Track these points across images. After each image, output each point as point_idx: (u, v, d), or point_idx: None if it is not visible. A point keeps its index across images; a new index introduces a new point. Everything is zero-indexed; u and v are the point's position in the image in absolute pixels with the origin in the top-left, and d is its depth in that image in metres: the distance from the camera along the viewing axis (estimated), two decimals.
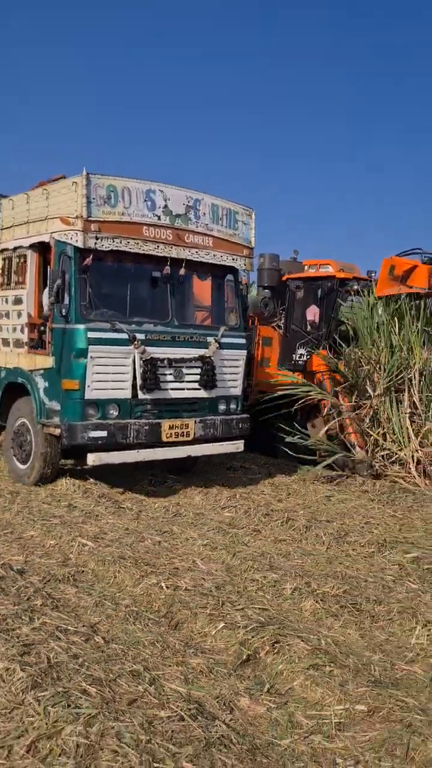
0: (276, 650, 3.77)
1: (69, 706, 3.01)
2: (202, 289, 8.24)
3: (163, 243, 7.23)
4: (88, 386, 6.83)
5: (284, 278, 10.21)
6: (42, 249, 7.51)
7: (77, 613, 4.26)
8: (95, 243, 6.78)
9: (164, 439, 7.25)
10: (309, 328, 9.99)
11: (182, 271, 7.43)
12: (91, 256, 6.81)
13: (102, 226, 6.79)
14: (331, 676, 3.53)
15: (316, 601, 4.55)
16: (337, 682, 3.46)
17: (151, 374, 7.08)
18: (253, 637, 3.90)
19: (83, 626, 4.01)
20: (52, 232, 7.10)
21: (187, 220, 7.43)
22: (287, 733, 3.11)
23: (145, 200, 7.09)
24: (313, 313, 10.07)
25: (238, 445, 8.04)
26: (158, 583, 4.69)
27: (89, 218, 6.71)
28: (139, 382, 7.07)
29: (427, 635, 4.11)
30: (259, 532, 6.31)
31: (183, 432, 7.41)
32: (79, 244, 6.74)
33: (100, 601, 4.47)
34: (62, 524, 6.05)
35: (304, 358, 9.74)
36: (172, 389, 7.37)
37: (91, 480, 7.51)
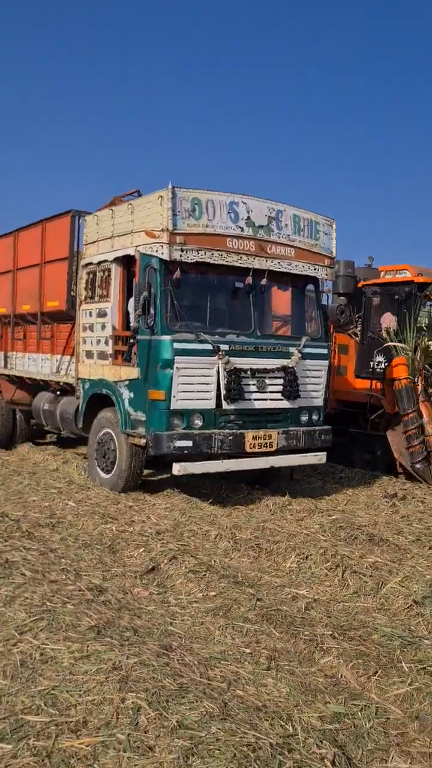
0: (172, 563, 5.28)
1: (8, 577, 4.52)
2: (284, 299, 8.22)
3: (245, 254, 7.25)
4: (174, 396, 6.91)
5: (360, 285, 10.10)
6: (126, 262, 7.64)
7: (44, 542, 5.62)
8: (180, 255, 6.85)
9: (248, 449, 7.27)
10: (386, 335, 9.84)
11: (264, 282, 7.45)
12: (178, 269, 6.89)
13: (187, 238, 6.86)
14: (203, 578, 5.01)
15: (230, 543, 5.98)
16: (205, 581, 4.96)
17: (234, 385, 7.11)
18: (160, 556, 5.41)
19: (44, 548, 5.34)
20: (137, 246, 7.21)
21: (269, 231, 7.43)
22: (156, 605, 4.57)
23: (229, 212, 7.13)
24: (389, 319, 9.92)
25: (320, 457, 8.02)
26: (112, 527, 6.18)
27: (175, 231, 6.79)
28: (223, 392, 7.09)
29: (298, 561, 5.52)
30: (221, 503, 7.45)
31: (266, 443, 7.41)
32: (165, 257, 6.82)
33: (65, 537, 5.96)
34: (59, 493, 7.53)
35: (383, 366, 9.59)
36: (255, 400, 7.38)
37: (170, 491, 7.64)
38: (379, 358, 9.69)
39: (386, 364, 9.55)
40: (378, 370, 9.67)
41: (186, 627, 4.22)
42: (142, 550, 5.60)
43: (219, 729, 2.84)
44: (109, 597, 4.47)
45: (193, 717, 2.93)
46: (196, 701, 3.07)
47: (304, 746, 2.88)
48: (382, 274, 10.31)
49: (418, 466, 8.89)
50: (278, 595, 4.87)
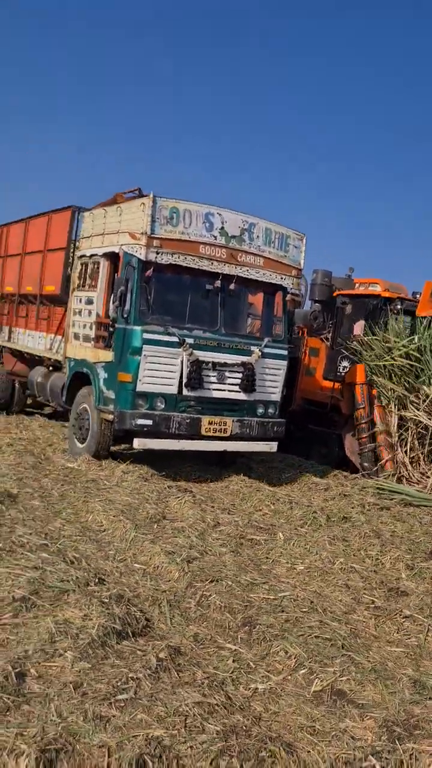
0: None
1: None
2: (252, 303, 9.11)
3: (217, 260, 8.14)
4: (140, 380, 7.85)
5: (335, 294, 10.94)
6: (113, 258, 8.58)
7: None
8: (156, 257, 7.76)
9: (203, 432, 8.19)
10: (355, 342, 10.67)
11: (233, 287, 8.34)
12: (152, 268, 7.82)
13: (163, 242, 7.77)
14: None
15: (89, 465, 8.32)
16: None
17: (195, 374, 8.02)
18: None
19: None
20: (122, 244, 8.13)
21: (241, 241, 8.31)
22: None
23: (204, 222, 8.02)
24: (360, 327, 10.76)
25: (271, 446, 8.87)
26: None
27: (152, 235, 7.70)
28: (184, 380, 8.01)
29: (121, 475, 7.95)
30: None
31: (221, 428, 8.32)
32: (142, 257, 7.74)
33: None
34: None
35: (346, 370, 10.44)
36: (214, 389, 8.28)
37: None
38: (345, 363, 10.55)
39: (349, 368, 10.40)
40: (342, 373, 10.52)
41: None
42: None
43: None
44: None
45: None
46: None
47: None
48: (357, 285, 11.12)
49: (365, 464, 9.76)
50: (92, 491, 7.21)
